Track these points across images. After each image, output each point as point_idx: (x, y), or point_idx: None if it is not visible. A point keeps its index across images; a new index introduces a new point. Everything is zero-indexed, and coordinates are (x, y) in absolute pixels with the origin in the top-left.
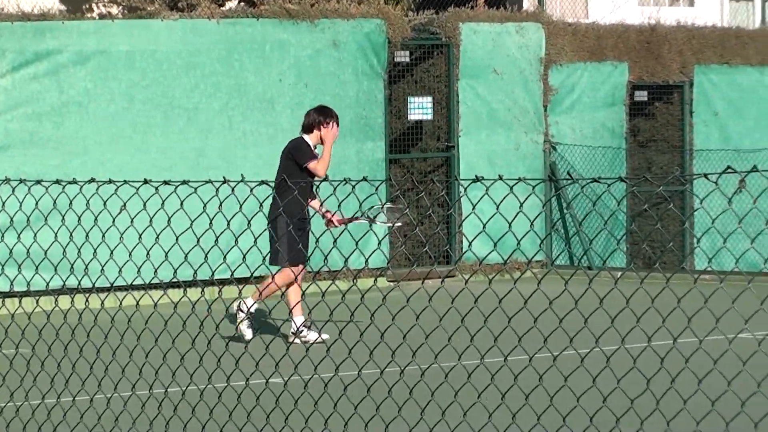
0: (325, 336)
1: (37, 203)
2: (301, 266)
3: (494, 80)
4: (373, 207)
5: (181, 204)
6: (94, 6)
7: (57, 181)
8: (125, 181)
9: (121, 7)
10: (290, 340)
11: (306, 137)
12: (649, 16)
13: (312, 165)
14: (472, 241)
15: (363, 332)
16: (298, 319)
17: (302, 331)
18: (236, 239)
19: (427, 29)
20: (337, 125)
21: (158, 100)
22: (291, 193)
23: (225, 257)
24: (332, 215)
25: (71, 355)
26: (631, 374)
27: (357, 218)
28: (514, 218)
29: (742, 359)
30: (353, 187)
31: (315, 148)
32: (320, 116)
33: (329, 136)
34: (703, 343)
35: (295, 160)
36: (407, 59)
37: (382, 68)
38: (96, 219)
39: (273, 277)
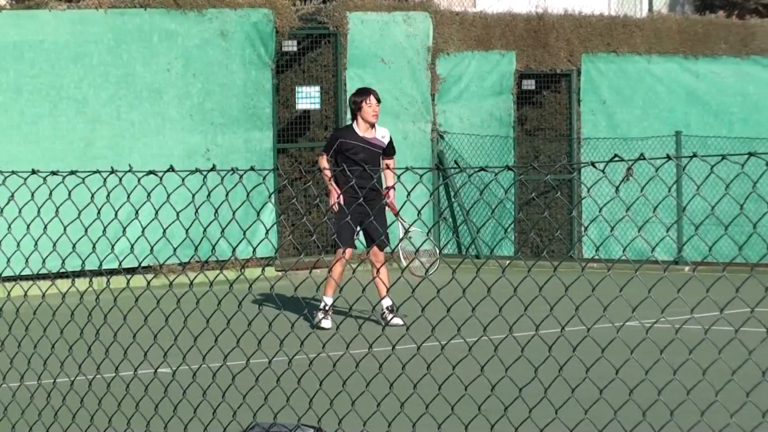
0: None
1: None
2: (347, 249)
3: (382, 69)
4: (414, 232)
5: (69, 194)
6: None
7: None
8: (13, 172)
9: None
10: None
11: (354, 123)
12: (537, 5)
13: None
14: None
15: (251, 321)
16: (384, 301)
17: (385, 313)
18: (124, 229)
19: (314, 19)
20: (370, 101)
21: (46, 90)
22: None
23: (113, 247)
24: (391, 199)
25: None
26: (519, 363)
27: (403, 222)
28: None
29: (630, 347)
30: (240, 176)
31: (372, 129)
32: (354, 98)
33: (368, 115)
34: (591, 331)
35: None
36: (295, 49)
37: (270, 58)
38: None
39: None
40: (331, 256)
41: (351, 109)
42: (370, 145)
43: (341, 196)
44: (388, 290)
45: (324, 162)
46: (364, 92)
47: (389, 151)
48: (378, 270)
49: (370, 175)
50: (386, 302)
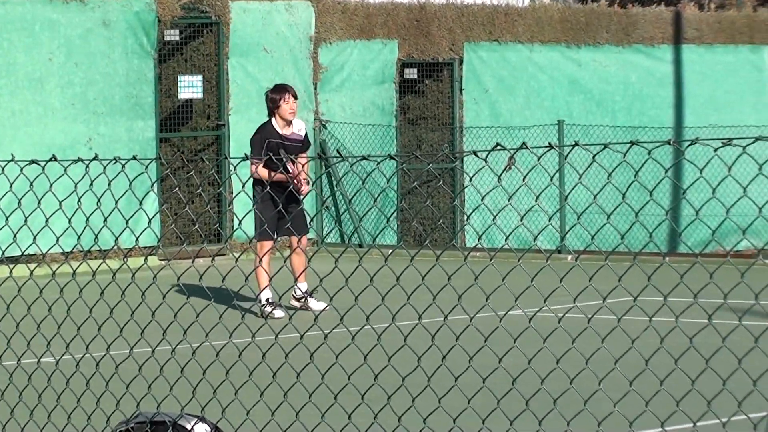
0: (327, 307)
1: None
2: (268, 242)
3: (264, 58)
4: None
5: None
6: None
7: None
8: None
9: None
10: (291, 303)
11: (272, 120)
12: None
13: (251, 165)
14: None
15: (134, 311)
16: (302, 285)
17: (304, 297)
18: (6, 218)
19: (196, 8)
20: (287, 98)
21: None
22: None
23: None
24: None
25: None
26: (402, 352)
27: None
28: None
29: (513, 336)
30: (123, 166)
31: (289, 125)
32: (272, 95)
33: (286, 113)
34: (475, 320)
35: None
36: (177, 38)
37: (152, 47)
38: None
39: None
40: (214, 245)
41: (268, 106)
42: (291, 141)
43: (267, 189)
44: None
45: (262, 170)
46: (281, 89)
47: (306, 144)
48: (292, 257)
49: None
50: (304, 286)
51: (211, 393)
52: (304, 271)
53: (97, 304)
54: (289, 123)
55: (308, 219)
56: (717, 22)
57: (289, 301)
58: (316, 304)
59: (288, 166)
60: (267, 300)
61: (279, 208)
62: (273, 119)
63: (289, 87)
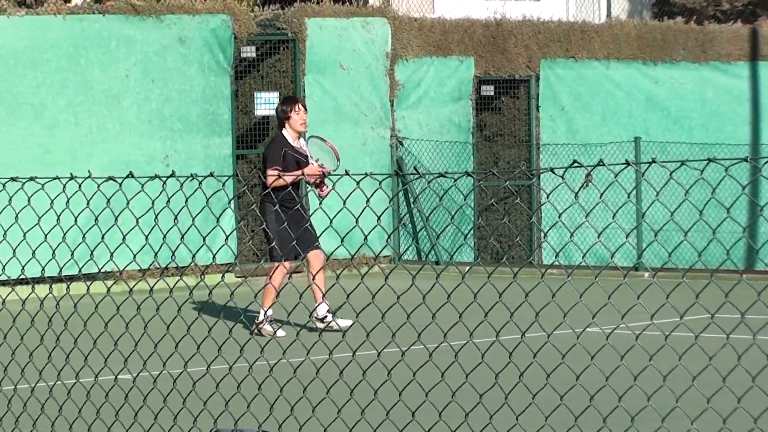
0: (282, 333)
1: None
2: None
3: (340, 75)
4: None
5: (29, 200)
6: None
7: None
8: None
9: None
10: (317, 325)
11: (284, 132)
12: (495, 10)
13: (268, 177)
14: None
15: (211, 328)
16: (322, 307)
17: (327, 317)
18: (83, 235)
19: (273, 24)
20: (298, 109)
21: (3, 96)
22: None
23: (72, 253)
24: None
25: None
26: (480, 369)
27: (322, 167)
28: (361, 213)
29: (590, 353)
30: (200, 183)
31: (299, 138)
32: (281, 107)
33: (296, 125)
34: (551, 337)
35: (266, 161)
36: (253, 55)
37: (229, 64)
38: None
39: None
40: (292, 262)
41: (279, 117)
42: (299, 154)
43: (277, 208)
44: (324, 295)
45: (278, 180)
46: (291, 101)
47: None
48: (315, 274)
49: (298, 186)
50: (324, 307)
51: (289, 410)
52: (322, 290)
53: (174, 320)
54: (299, 135)
55: (315, 233)
56: None
57: (312, 321)
58: (342, 322)
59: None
60: (266, 317)
61: (303, 224)
62: (284, 131)
63: (299, 98)
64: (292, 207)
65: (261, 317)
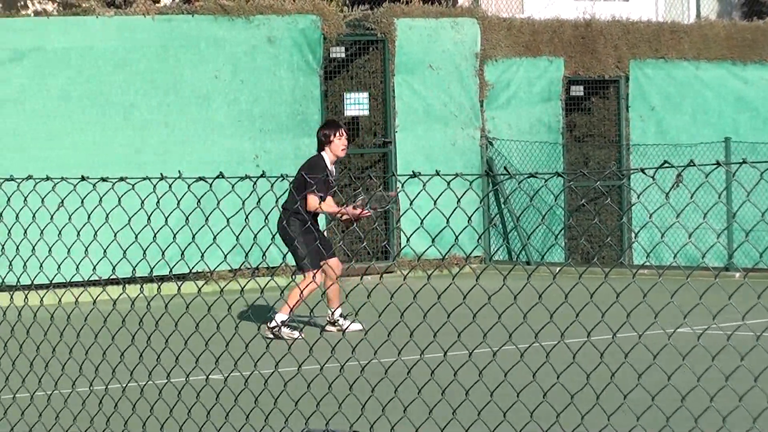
0: (358, 326)
1: None
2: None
3: (430, 76)
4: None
5: (119, 200)
6: (29, 3)
7: None
8: (62, 178)
9: (56, 4)
10: (327, 329)
11: (323, 154)
12: (584, 11)
13: (310, 199)
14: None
15: (302, 329)
16: (336, 310)
17: (339, 320)
18: (174, 235)
19: (362, 25)
20: (341, 134)
21: (94, 97)
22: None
23: (163, 253)
24: (358, 210)
25: (11, 352)
26: (571, 369)
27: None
28: (452, 213)
29: (682, 353)
30: (291, 183)
31: (334, 163)
32: (323, 131)
33: (338, 150)
34: (643, 337)
35: (304, 180)
36: (343, 55)
37: (318, 64)
38: (34, 216)
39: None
40: (382, 263)
41: (320, 141)
42: (333, 177)
43: (303, 225)
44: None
45: (329, 206)
46: (335, 125)
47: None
48: (330, 284)
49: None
50: (339, 311)
51: (380, 409)
52: (336, 295)
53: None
54: (336, 159)
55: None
56: None
57: (324, 327)
58: (353, 326)
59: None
60: (283, 322)
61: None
62: (324, 153)
63: (341, 123)
64: (314, 224)
65: (284, 322)
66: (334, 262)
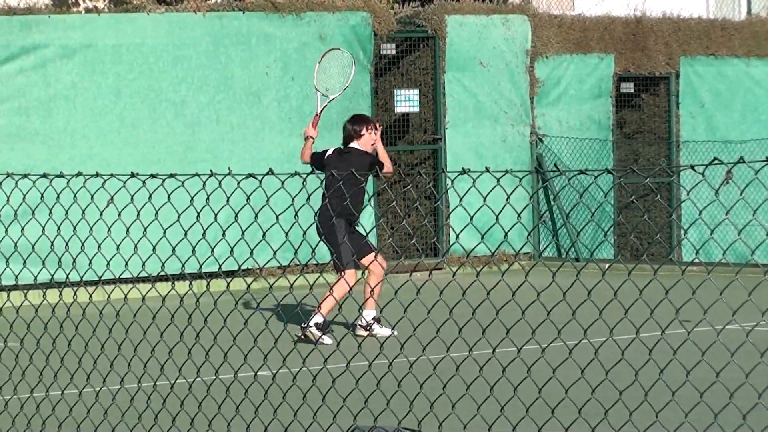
0: (394, 332)
1: (24, 197)
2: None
3: (480, 73)
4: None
5: (169, 197)
6: (80, 0)
7: (44, 175)
8: (112, 175)
9: (107, 1)
10: (358, 332)
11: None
12: (635, 7)
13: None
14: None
15: (351, 323)
16: (369, 312)
17: (372, 324)
18: (223, 232)
19: (412, 22)
20: (373, 130)
21: (145, 93)
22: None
23: (213, 250)
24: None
25: (60, 348)
26: (620, 366)
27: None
28: (502, 210)
29: (731, 350)
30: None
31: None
32: (353, 125)
33: (367, 145)
34: (691, 334)
35: (369, 167)
36: (393, 52)
37: (369, 61)
38: (83, 212)
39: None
40: (431, 259)
41: (350, 135)
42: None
43: (340, 221)
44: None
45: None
46: (366, 120)
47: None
48: (372, 281)
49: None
50: (373, 314)
51: (428, 407)
52: (372, 297)
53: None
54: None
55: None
56: None
57: (355, 330)
58: (381, 330)
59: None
60: (316, 324)
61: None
62: (354, 144)
63: (370, 118)
64: (349, 219)
65: (314, 321)
66: (378, 258)
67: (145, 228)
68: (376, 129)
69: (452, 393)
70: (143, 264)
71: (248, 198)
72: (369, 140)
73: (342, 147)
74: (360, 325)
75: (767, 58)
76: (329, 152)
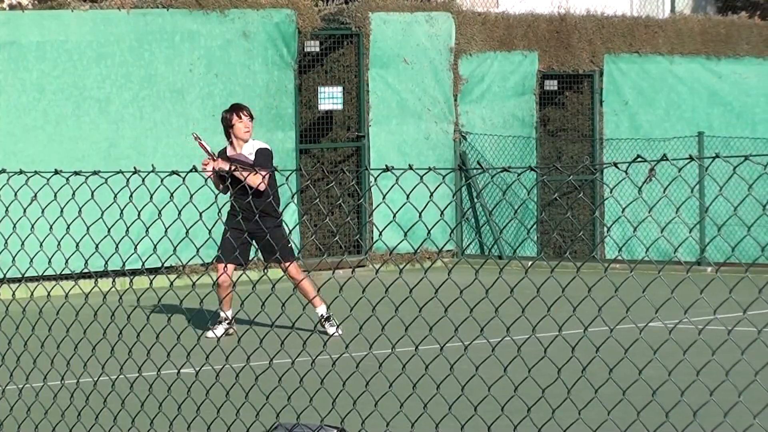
0: (340, 331)
1: None
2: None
3: (404, 70)
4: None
5: (92, 194)
6: None
7: None
8: (36, 172)
9: None
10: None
11: (227, 145)
12: (559, 5)
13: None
14: (383, 230)
15: (274, 322)
16: (322, 308)
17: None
18: (147, 229)
19: (337, 19)
20: (241, 116)
21: (69, 90)
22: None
23: (136, 247)
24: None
25: None
26: (542, 363)
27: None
28: (425, 208)
29: (653, 348)
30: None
31: (244, 145)
32: (226, 114)
33: (241, 132)
34: (614, 331)
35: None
36: (317, 49)
37: (293, 58)
38: (7, 209)
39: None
40: (354, 257)
41: (223, 126)
42: (239, 163)
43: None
44: (318, 297)
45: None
46: (235, 108)
47: (257, 162)
48: (298, 282)
49: (247, 194)
50: (321, 310)
51: (351, 404)
52: (313, 297)
53: (236, 314)
54: (245, 142)
55: (288, 243)
56: None
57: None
58: (330, 328)
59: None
60: (224, 320)
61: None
62: (228, 141)
63: (245, 106)
64: (234, 213)
65: (321, 315)
66: (282, 266)
67: (68, 225)
68: (251, 118)
69: (375, 391)
70: (66, 261)
71: (172, 195)
72: (242, 128)
73: (229, 147)
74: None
75: (690, 56)
76: (226, 154)
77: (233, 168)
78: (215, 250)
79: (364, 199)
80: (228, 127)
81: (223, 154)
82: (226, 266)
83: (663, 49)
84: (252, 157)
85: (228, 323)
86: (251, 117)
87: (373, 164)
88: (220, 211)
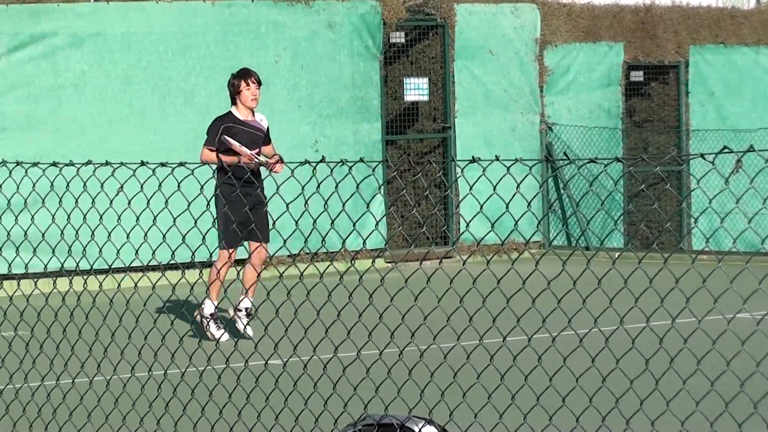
0: (225, 337)
1: (34, 185)
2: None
3: (490, 61)
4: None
5: (179, 185)
6: None
7: (54, 164)
8: (122, 163)
9: None
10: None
11: (232, 108)
12: None
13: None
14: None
15: (361, 313)
16: (247, 302)
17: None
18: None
19: (422, 10)
20: (249, 83)
21: (155, 81)
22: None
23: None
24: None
25: (70, 337)
26: (630, 355)
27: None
28: (511, 199)
29: (741, 339)
30: (350, 168)
31: (252, 114)
32: (233, 79)
33: (247, 100)
34: (702, 323)
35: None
36: (402, 40)
37: (378, 49)
38: (93, 201)
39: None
40: (441, 248)
41: (229, 92)
42: (252, 128)
43: (222, 189)
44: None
45: (209, 154)
46: (243, 74)
47: (267, 138)
48: (247, 267)
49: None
50: (246, 303)
51: (439, 395)
52: (252, 285)
53: (324, 306)
54: (251, 111)
55: (270, 225)
56: None
57: (229, 310)
58: (241, 326)
59: (243, 150)
60: (212, 315)
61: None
62: (234, 107)
63: (253, 72)
64: (232, 184)
65: (206, 316)
66: (259, 248)
67: (155, 216)
68: (259, 84)
69: (463, 382)
70: (153, 252)
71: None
72: (248, 95)
73: (230, 115)
74: (235, 306)
75: None
76: (226, 125)
77: (275, 160)
78: (302, 241)
79: (451, 190)
80: (235, 94)
81: (235, 119)
82: (230, 255)
83: (749, 39)
84: (265, 125)
85: (216, 319)
86: (259, 84)
87: (459, 155)
88: (307, 203)
